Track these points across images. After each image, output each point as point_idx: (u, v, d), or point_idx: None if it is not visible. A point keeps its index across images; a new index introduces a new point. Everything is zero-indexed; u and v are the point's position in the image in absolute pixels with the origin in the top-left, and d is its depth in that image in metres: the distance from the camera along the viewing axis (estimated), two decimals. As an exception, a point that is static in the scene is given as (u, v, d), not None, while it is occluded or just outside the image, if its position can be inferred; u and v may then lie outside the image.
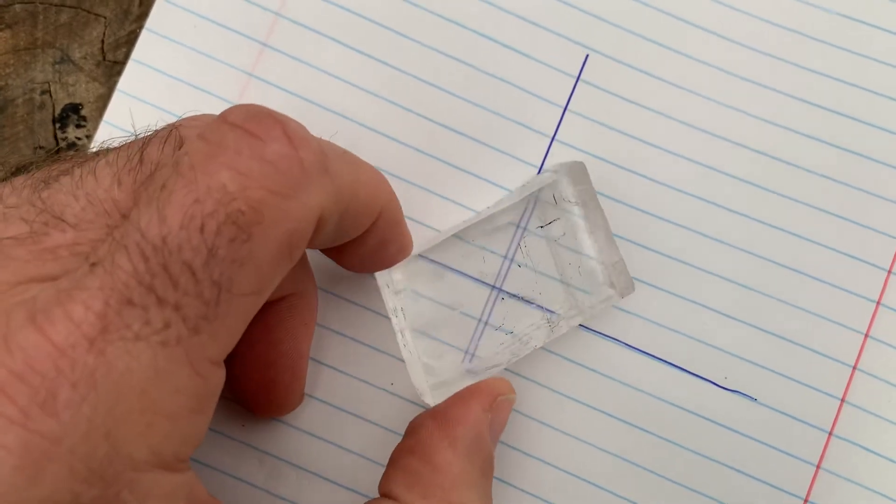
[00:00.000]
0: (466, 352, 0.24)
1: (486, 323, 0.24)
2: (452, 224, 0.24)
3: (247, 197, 0.16)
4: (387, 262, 0.22)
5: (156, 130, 0.18)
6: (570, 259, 0.24)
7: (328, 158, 0.17)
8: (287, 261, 0.17)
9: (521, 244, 0.24)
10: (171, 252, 0.15)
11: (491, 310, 0.24)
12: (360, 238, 0.21)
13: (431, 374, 0.23)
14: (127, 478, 0.15)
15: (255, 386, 0.23)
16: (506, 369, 0.24)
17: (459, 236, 0.24)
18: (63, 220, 0.17)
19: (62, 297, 0.15)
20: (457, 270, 0.24)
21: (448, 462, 0.20)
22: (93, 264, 0.16)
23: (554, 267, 0.24)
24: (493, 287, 0.24)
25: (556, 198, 0.24)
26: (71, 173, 0.18)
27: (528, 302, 0.24)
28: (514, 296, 0.24)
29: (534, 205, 0.24)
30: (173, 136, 0.18)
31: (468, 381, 0.23)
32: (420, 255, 0.24)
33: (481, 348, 0.24)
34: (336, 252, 0.22)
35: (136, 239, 0.15)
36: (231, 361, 0.23)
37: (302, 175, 0.16)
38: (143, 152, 0.17)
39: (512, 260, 0.24)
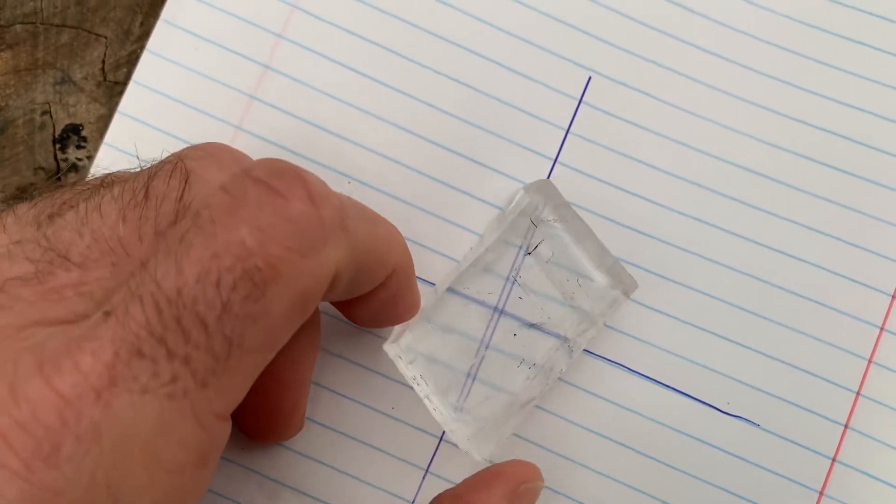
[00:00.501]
0: (502, 386, 0.24)
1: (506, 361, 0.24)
2: (444, 273, 0.24)
3: (265, 253, 0.16)
4: (394, 320, 0.22)
5: (161, 162, 0.18)
6: (566, 275, 0.24)
7: (347, 215, 0.17)
8: (300, 317, 0.17)
9: (517, 275, 0.24)
10: (185, 305, 0.15)
11: (506, 347, 0.24)
12: (372, 293, 0.21)
13: (468, 424, 0.23)
14: None
15: (257, 413, 0.23)
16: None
17: (453, 289, 0.24)
18: (68, 259, 0.17)
19: (72, 346, 0.15)
20: (462, 324, 0.24)
21: None
22: (106, 313, 0.15)
23: (554, 287, 0.24)
24: (498, 321, 0.24)
25: (534, 220, 0.24)
26: (76, 208, 0.17)
27: (539, 329, 0.24)
28: (525, 325, 0.24)
29: (515, 233, 0.24)
30: (179, 168, 0.18)
31: (509, 423, 0.23)
32: (422, 319, 0.23)
33: (509, 387, 0.24)
34: (345, 306, 0.21)
35: (152, 289, 0.15)
36: None
37: (321, 233, 0.16)
38: (148, 187, 0.17)
39: (509, 294, 0.24)
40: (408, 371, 0.23)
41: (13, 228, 0.17)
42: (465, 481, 0.21)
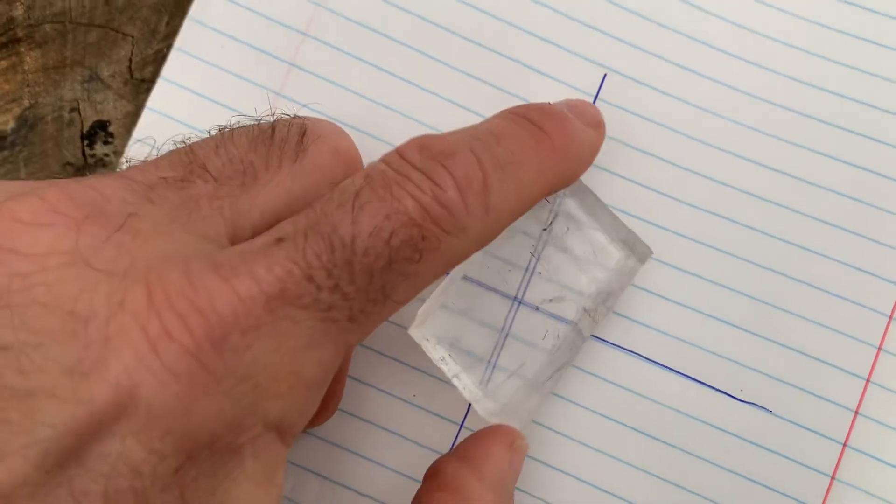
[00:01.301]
0: (521, 370, 0.24)
1: (527, 339, 0.24)
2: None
3: (426, 227, 0.18)
4: None
5: (278, 117, 0.21)
6: (582, 249, 0.24)
7: (490, 194, 0.19)
8: (434, 281, 0.19)
9: (536, 252, 0.25)
10: (356, 252, 0.17)
11: (528, 323, 0.24)
12: None
13: (497, 400, 0.24)
14: (254, 432, 0.17)
15: None
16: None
17: (468, 277, 0.24)
18: (207, 171, 0.19)
19: (247, 257, 0.17)
20: (479, 315, 0.24)
21: (480, 494, 0.21)
22: (279, 239, 0.17)
23: (571, 262, 0.24)
24: (518, 300, 0.24)
25: (548, 198, 0.25)
26: (212, 136, 0.20)
27: (560, 302, 0.24)
28: (547, 300, 0.24)
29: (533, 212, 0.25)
30: (296, 123, 0.20)
31: (535, 398, 0.23)
32: (441, 306, 0.24)
33: (533, 362, 0.24)
34: None
35: (328, 230, 0.17)
36: None
37: (466, 217, 0.19)
38: (273, 129, 0.20)
39: (532, 269, 0.24)
40: (435, 352, 0.24)
41: (162, 146, 0.20)
42: (464, 442, 0.22)
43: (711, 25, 0.27)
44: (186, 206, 0.18)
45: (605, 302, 0.24)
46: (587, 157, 0.23)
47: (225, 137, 0.19)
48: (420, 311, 0.24)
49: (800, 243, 0.26)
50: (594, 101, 0.26)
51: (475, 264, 0.24)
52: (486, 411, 0.23)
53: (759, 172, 0.26)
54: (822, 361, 0.25)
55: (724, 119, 0.26)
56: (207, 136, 0.19)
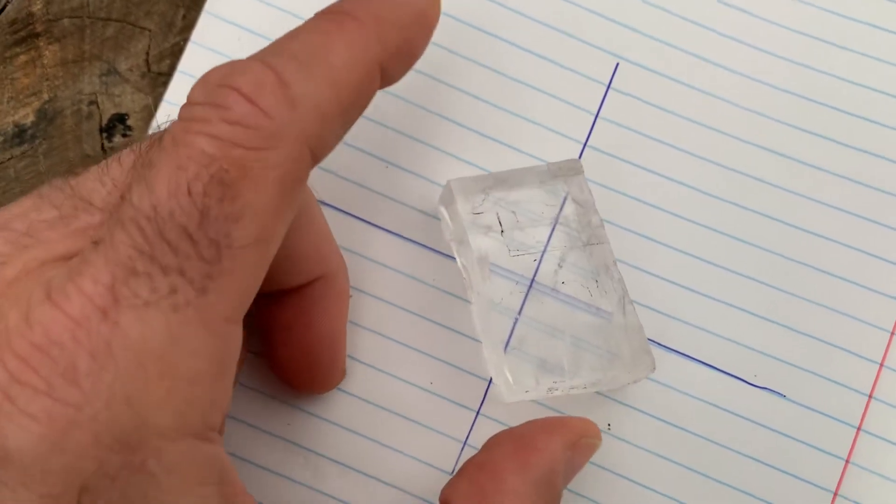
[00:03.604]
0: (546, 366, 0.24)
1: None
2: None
3: (227, 156, 0.16)
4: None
5: (174, 119, 0.19)
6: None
7: (290, 87, 0.17)
8: (285, 206, 0.17)
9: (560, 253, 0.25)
10: (163, 219, 0.16)
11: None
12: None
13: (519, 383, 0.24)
14: (153, 445, 0.16)
15: (298, 366, 0.24)
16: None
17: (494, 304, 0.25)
18: (91, 204, 0.18)
19: (72, 274, 0.16)
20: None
21: (516, 487, 0.20)
22: (95, 242, 0.16)
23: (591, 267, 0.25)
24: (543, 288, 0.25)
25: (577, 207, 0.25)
26: (98, 163, 0.19)
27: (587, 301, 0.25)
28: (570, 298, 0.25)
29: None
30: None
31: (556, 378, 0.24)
32: (507, 353, 0.24)
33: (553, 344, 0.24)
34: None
35: (131, 213, 0.16)
36: (272, 345, 0.24)
37: (270, 122, 0.17)
38: (162, 137, 0.18)
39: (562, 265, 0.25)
40: (542, 383, 0.24)
41: (44, 189, 0.19)
42: (528, 424, 0.22)
43: (724, 14, 0.27)
44: (70, 238, 0.17)
45: (609, 271, 0.24)
46: (410, 21, 0.20)
47: (111, 164, 0.18)
48: (494, 376, 0.25)
49: (813, 230, 0.26)
50: (607, 90, 0.26)
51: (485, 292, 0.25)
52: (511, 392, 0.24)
53: (773, 159, 0.26)
54: (836, 346, 0.25)
55: (737, 107, 0.26)
56: (94, 167, 0.18)
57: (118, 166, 0.18)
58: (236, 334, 0.17)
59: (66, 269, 0.16)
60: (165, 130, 0.18)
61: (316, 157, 0.18)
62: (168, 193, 0.16)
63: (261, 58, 0.18)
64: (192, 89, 0.18)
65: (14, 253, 0.17)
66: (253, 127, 0.17)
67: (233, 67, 0.17)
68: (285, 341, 0.23)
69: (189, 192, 0.16)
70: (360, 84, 0.19)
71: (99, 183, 0.18)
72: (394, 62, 0.20)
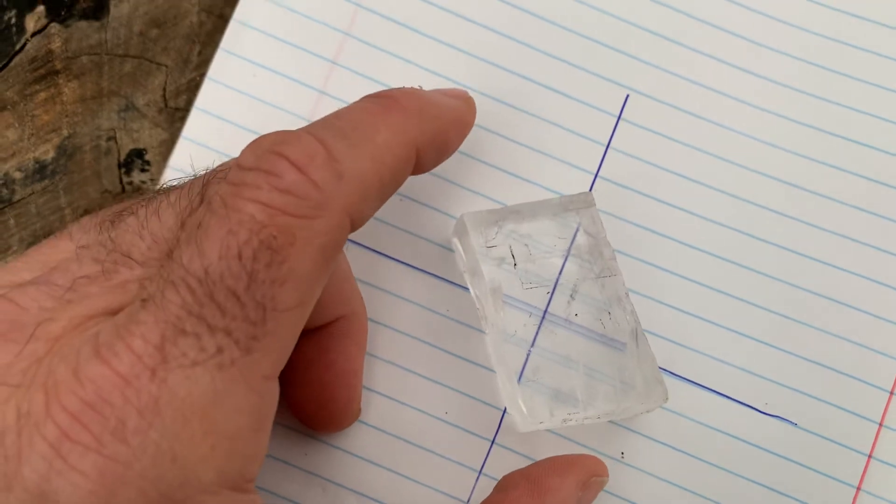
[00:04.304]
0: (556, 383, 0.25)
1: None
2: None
3: (276, 223, 0.17)
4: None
5: (213, 169, 0.20)
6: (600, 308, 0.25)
7: (338, 161, 0.18)
8: (324, 271, 0.18)
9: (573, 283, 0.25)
10: (214, 282, 0.16)
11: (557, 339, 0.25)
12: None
13: (533, 415, 0.24)
14: (196, 500, 0.17)
15: (314, 405, 0.24)
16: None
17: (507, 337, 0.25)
18: (131, 258, 0.18)
19: (121, 332, 0.16)
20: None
21: None
22: (143, 300, 0.17)
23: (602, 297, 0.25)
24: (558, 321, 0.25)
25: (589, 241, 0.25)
26: (136, 213, 0.19)
27: (601, 335, 0.25)
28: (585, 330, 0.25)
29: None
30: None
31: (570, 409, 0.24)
32: (522, 385, 0.25)
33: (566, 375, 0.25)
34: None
35: (181, 274, 0.17)
36: (289, 383, 0.24)
37: (318, 193, 0.17)
38: (203, 193, 0.19)
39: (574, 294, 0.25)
40: (556, 414, 0.24)
41: (78, 235, 0.19)
42: (538, 464, 0.22)
43: (733, 45, 0.27)
44: (112, 293, 0.18)
45: (621, 302, 0.25)
46: (449, 118, 0.22)
47: (150, 218, 0.19)
48: (508, 406, 0.25)
49: (824, 259, 0.26)
50: (617, 122, 0.27)
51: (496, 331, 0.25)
52: (525, 423, 0.24)
53: (783, 189, 0.26)
54: (847, 375, 0.26)
55: (747, 137, 0.27)
56: (132, 219, 0.19)
57: (157, 221, 0.19)
58: (274, 390, 0.18)
59: (114, 325, 0.17)
60: (210, 188, 0.18)
61: (354, 226, 0.19)
62: (219, 256, 0.17)
63: (310, 130, 0.19)
64: (243, 153, 0.18)
65: (59, 308, 0.17)
66: (302, 196, 0.17)
67: (284, 136, 0.18)
68: (303, 380, 0.24)
69: (240, 257, 0.17)
70: (399, 164, 0.20)
71: (138, 237, 0.18)
72: (429, 151, 0.21)
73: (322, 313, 0.23)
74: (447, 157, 0.23)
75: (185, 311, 0.16)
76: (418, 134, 0.20)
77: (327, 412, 0.24)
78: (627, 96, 0.27)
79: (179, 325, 0.16)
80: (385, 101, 0.20)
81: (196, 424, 0.16)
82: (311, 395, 0.24)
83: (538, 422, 0.24)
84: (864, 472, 0.25)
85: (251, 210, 0.17)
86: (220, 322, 0.16)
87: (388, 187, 0.20)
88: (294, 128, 0.26)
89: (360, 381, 0.25)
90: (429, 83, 0.26)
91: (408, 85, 0.26)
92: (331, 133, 0.19)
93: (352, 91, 0.26)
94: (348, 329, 0.24)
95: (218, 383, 0.17)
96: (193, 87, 0.27)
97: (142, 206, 0.19)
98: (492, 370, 0.26)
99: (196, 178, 0.20)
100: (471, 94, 0.26)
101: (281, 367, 0.18)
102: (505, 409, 0.26)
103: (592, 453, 0.25)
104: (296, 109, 0.26)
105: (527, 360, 0.25)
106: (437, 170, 0.26)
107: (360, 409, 0.25)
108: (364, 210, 0.19)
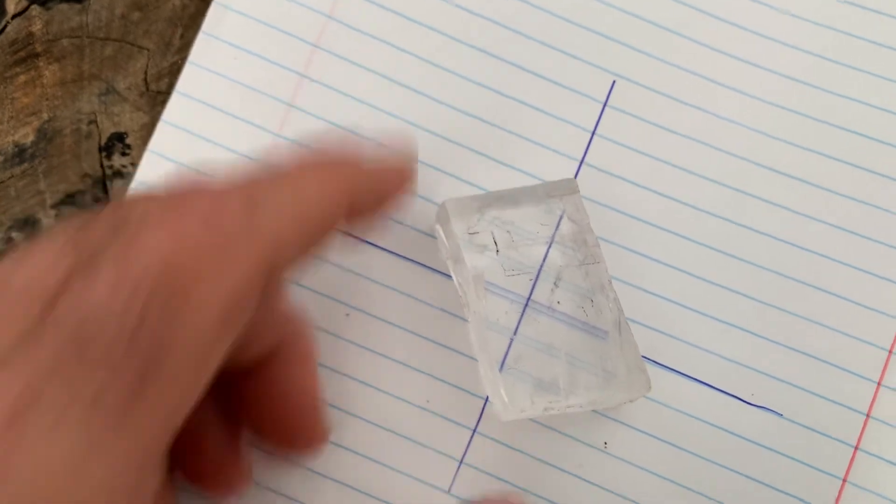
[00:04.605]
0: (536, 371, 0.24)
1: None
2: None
3: (176, 264, 0.15)
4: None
5: (102, 209, 0.17)
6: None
7: (252, 210, 0.16)
8: (230, 327, 0.16)
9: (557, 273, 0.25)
10: (98, 324, 0.14)
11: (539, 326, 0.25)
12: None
13: (514, 402, 0.24)
14: None
15: (281, 439, 0.24)
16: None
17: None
18: (29, 293, 0.15)
19: None
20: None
21: None
22: (20, 344, 0.14)
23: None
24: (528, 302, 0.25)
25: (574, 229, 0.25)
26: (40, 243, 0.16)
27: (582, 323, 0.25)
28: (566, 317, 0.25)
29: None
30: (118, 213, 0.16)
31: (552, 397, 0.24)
32: (504, 374, 0.24)
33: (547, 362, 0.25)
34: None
35: (62, 313, 0.14)
36: (248, 420, 0.23)
37: (224, 239, 0.15)
38: (116, 228, 0.16)
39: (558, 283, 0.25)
40: (537, 402, 0.24)
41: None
42: None
43: (722, 31, 0.27)
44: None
45: (604, 290, 0.24)
46: (384, 175, 0.21)
47: (43, 248, 0.16)
48: (490, 395, 0.25)
49: (811, 248, 0.26)
50: (603, 108, 0.26)
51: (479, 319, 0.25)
52: (507, 412, 0.24)
53: (769, 176, 0.26)
54: (834, 365, 0.25)
55: (734, 124, 0.26)
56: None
57: (53, 254, 0.16)
58: (149, 478, 0.15)
59: None
60: (114, 216, 0.16)
61: (269, 280, 0.17)
62: (108, 296, 0.14)
63: (232, 176, 0.17)
64: (155, 188, 0.17)
65: None
66: (205, 241, 0.15)
67: (200, 178, 0.17)
68: (260, 415, 0.23)
69: (130, 299, 0.14)
70: (322, 219, 0.18)
71: (36, 270, 0.15)
72: (361, 207, 0.20)
73: (257, 346, 0.21)
74: (384, 212, 0.21)
75: (55, 357, 0.14)
76: (348, 190, 0.19)
77: (295, 439, 0.23)
78: (614, 82, 0.27)
79: (49, 373, 0.14)
80: (318, 156, 0.19)
81: (50, 495, 0.13)
82: (275, 430, 0.23)
83: (519, 410, 0.24)
84: (851, 463, 0.25)
85: (151, 245, 0.15)
86: (96, 370, 0.14)
87: (308, 243, 0.18)
88: (277, 112, 0.26)
89: (319, 401, 0.23)
90: (411, 65, 0.26)
91: (391, 69, 0.26)
92: (251, 180, 0.17)
93: (334, 74, 0.26)
94: (291, 355, 0.22)
95: (78, 452, 0.14)
96: (175, 71, 0.27)
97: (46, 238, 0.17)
98: (474, 359, 0.25)
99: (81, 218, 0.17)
100: (454, 77, 0.26)
101: (165, 441, 0.15)
102: (487, 397, 0.25)
103: (575, 443, 0.25)
104: (277, 93, 0.26)
105: (509, 348, 0.25)
106: (421, 156, 0.26)
107: (328, 428, 0.24)
108: (279, 264, 0.17)
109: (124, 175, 0.27)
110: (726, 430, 0.25)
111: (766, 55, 0.27)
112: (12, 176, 0.27)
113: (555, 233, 0.25)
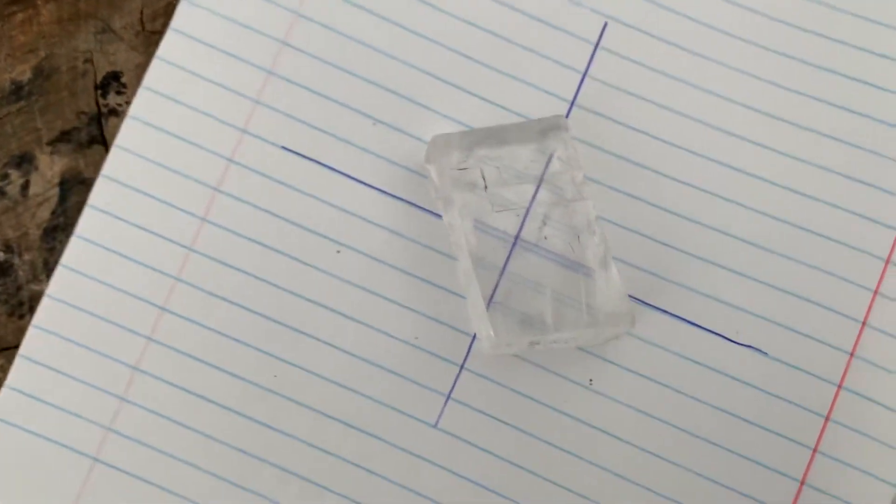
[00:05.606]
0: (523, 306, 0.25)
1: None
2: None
3: None
4: None
5: None
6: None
7: None
8: None
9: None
10: None
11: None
12: None
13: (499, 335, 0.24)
14: None
15: None
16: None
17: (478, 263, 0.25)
18: None
19: None
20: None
21: None
22: None
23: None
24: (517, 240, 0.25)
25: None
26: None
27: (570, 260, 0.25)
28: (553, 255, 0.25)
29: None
30: None
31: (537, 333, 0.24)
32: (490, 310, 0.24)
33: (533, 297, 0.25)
34: None
35: None
36: None
37: None
38: None
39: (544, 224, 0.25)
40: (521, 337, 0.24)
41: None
42: None
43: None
44: None
45: (591, 227, 0.24)
46: None
47: None
48: (477, 331, 0.25)
49: (797, 188, 0.26)
50: (594, 50, 0.27)
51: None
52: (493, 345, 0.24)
53: (757, 118, 0.26)
54: (819, 305, 0.25)
55: (726, 67, 0.26)
56: None
57: None
58: None
59: None
60: None
61: None
62: None
63: None
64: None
65: None
66: None
67: None
68: None
69: None
70: None
71: None
72: None
73: None
74: None
75: None
76: None
77: None
78: (606, 24, 0.27)
79: None
80: None
81: None
82: None
83: (505, 344, 0.24)
84: (834, 401, 0.25)
85: None
86: None
87: None
88: (270, 50, 0.26)
89: None
90: (404, 2, 0.26)
91: (383, 6, 0.26)
92: None
93: (326, 10, 0.26)
94: None
95: None
96: (171, 11, 0.27)
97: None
98: (462, 296, 0.26)
99: None
100: (444, 17, 0.26)
101: None
102: (474, 335, 0.26)
103: (561, 379, 0.25)
104: (269, 30, 0.26)
105: (497, 284, 0.25)
106: (410, 94, 0.26)
107: None
108: None
109: (119, 113, 0.27)
110: (711, 368, 0.25)
111: (761, 1, 0.27)
112: (9, 113, 0.27)
113: (545, 171, 0.25)
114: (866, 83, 0.26)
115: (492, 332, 0.24)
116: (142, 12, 0.27)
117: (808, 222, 0.26)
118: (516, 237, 0.25)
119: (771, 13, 0.27)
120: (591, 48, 0.27)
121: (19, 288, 0.26)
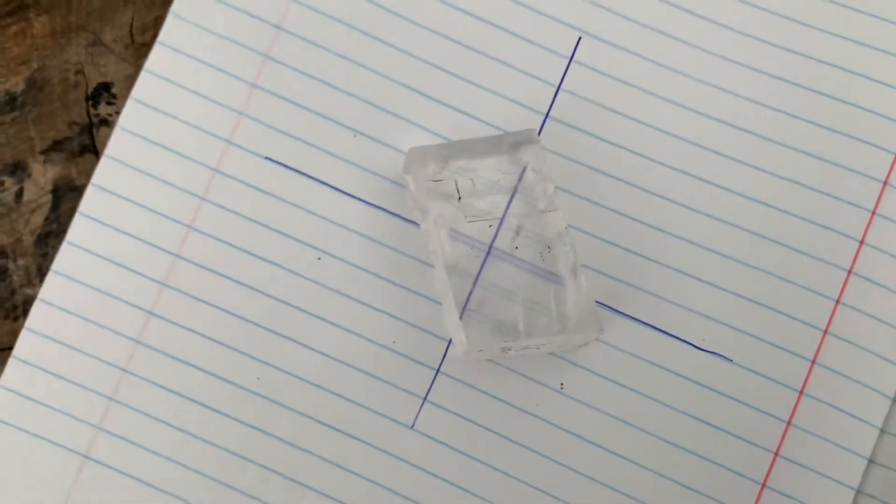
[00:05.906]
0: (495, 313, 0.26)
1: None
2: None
3: None
4: None
5: None
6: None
7: None
8: None
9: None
10: None
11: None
12: None
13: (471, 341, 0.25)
14: None
15: None
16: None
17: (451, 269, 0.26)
18: None
19: None
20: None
21: None
22: None
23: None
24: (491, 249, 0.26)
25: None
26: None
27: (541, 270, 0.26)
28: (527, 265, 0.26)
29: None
30: None
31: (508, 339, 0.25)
32: (464, 321, 0.25)
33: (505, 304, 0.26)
34: None
35: None
36: None
37: None
38: None
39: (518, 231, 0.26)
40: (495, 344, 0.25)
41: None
42: None
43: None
44: None
45: (561, 237, 0.25)
46: None
47: None
48: (452, 336, 0.26)
49: (762, 199, 0.27)
50: (568, 64, 0.27)
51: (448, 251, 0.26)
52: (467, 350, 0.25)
53: (727, 131, 0.27)
54: (783, 313, 0.26)
55: (698, 81, 0.27)
56: None
57: None
58: None
59: None
60: None
61: None
62: None
63: None
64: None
65: None
66: None
67: None
68: None
69: None
70: None
71: None
72: None
73: None
74: None
75: None
76: None
77: None
78: (580, 39, 0.27)
79: None
80: None
81: None
82: None
83: (478, 350, 0.25)
84: (795, 407, 0.26)
85: None
86: None
87: None
88: (254, 63, 0.27)
89: None
90: (380, 17, 0.27)
91: (362, 20, 0.27)
92: None
93: (308, 24, 0.27)
94: None
95: None
96: (160, 24, 0.28)
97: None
98: (438, 302, 0.27)
99: None
100: (423, 32, 0.27)
101: None
102: (450, 340, 0.26)
103: (533, 383, 0.26)
104: (253, 44, 0.27)
105: (471, 292, 0.26)
106: (390, 107, 0.27)
107: None
108: None
109: (110, 123, 0.28)
110: (677, 374, 0.26)
111: (735, 15, 0.27)
112: (3, 123, 0.28)
113: (519, 182, 0.26)
114: (831, 97, 0.27)
115: (465, 339, 0.25)
116: (131, 25, 0.28)
117: (773, 233, 0.26)
118: (490, 246, 0.26)
119: (741, 28, 0.27)
120: (566, 62, 0.27)
121: (13, 292, 0.27)
